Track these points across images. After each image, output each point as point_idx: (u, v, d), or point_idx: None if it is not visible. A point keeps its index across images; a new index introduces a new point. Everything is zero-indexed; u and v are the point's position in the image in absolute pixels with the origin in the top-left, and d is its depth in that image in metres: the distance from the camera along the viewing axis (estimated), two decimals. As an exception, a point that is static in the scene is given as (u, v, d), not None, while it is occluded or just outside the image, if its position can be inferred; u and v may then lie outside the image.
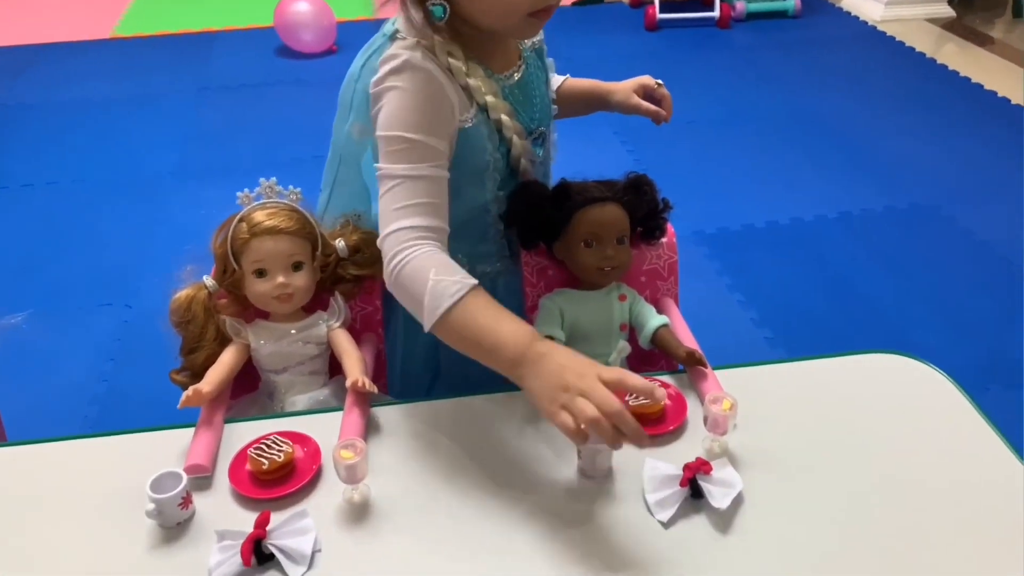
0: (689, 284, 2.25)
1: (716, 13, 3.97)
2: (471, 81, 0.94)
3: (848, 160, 2.92)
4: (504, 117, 0.97)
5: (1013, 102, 3.28)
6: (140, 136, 3.11)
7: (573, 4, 4.33)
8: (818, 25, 4.09)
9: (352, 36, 1.00)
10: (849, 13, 4.21)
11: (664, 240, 1.14)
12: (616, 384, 0.76)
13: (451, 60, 0.92)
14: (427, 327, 0.87)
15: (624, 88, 1.17)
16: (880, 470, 0.87)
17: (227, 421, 0.95)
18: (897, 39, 3.91)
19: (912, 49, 3.81)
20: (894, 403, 0.96)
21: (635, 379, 0.77)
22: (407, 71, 0.91)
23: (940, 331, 2.12)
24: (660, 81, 1.17)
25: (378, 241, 0.91)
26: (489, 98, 0.95)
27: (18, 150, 3.02)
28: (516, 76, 1.01)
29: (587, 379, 0.76)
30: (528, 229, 1.05)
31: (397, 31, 0.94)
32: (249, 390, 1.07)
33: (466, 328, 0.85)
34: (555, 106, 1.10)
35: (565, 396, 0.76)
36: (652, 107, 1.15)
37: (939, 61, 3.68)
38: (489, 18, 0.91)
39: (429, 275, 0.85)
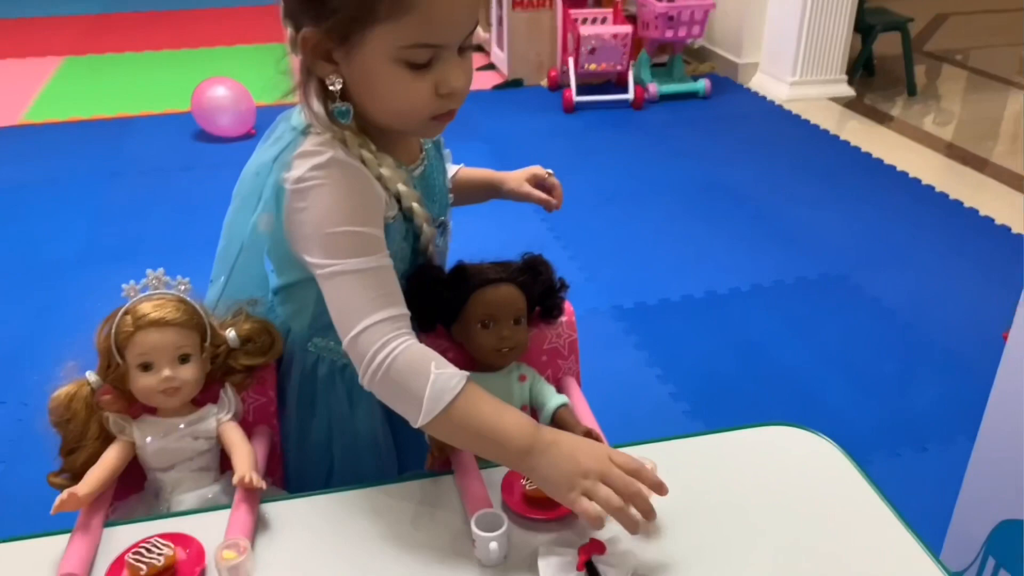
0: (607, 358, 2.31)
1: (630, 95, 4.13)
2: (383, 171, 0.93)
3: (759, 232, 3.03)
4: (415, 205, 0.97)
5: (911, 175, 3.47)
6: (44, 221, 3.04)
7: (493, 88, 4.45)
8: (728, 104, 4.29)
9: (271, 120, 1.00)
10: (757, 93, 4.43)
11: (563, 319, 1.14)
12: (633, 472, 0.82)
13: (363, 152, 0.92)
14: (420, 423, 0.85)
15: (516, 177, 1.19)
16: (775, 537, 0.88)
17: (108, 524, 0.90)
18: (803, 117, 4.12)
19: (817, 126, 4.02)
20: (789, 474, 0.97)
21: (646, 471, 0.83)
22: (334, 167, 0.89)
23: (849, 395, 2.18)
24: (550, 171, 1.20)
25: (346, 343, 0.87)
26: (401, 187, 0.95)
27: (-85, 240, 2.91)
28: (420, 169, 1.02)
29: (603, 462, 0.81)
30: (425, 311, 1.04)
31: (309, 125, 0.92)
32: (137, 489, 1.02)
33: (468, 422, 0.85)
34: (451, 195, 1.12)
35: (586, 483, 0.81)
36: (543, 195, 1.18)
37: (842, 137, 3.89)
38: (392, 120, 0.91)
39: (430, 368, 0.84)
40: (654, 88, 4.20)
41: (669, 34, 4.08)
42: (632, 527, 0.80)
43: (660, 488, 0.83)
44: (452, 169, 1.19)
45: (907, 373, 2.26)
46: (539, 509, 0.90)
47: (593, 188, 3.37)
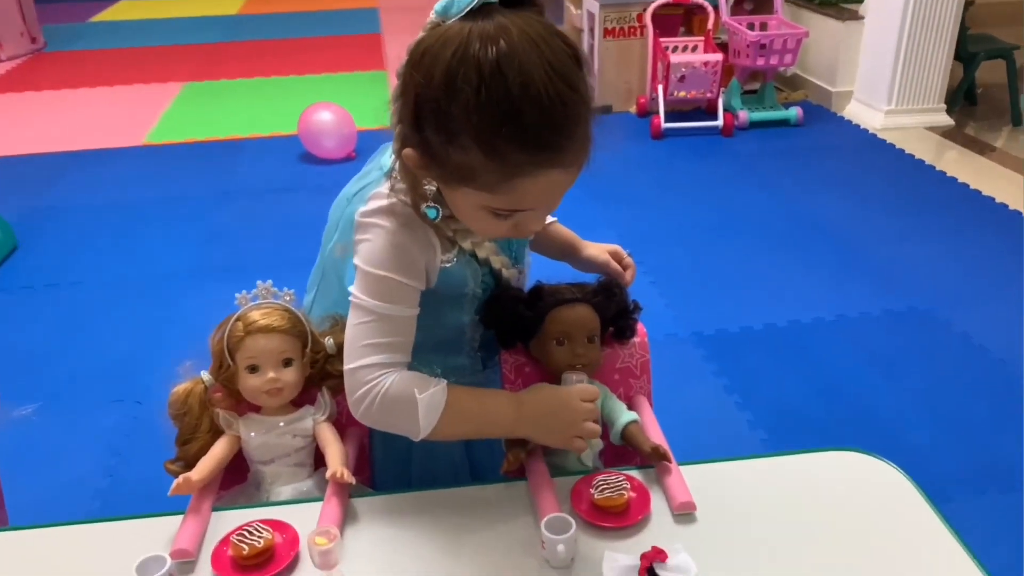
0: (686, 384, 2.33)
1: (719, 122, 4.14)
2: (457, 237, 1.01)
3: (846, 264, 2.99)
4: (492, 257, 1.06)
5: (1012, 207, 3.36)
6: (161, 238, 3.27)
7: (582, 114, 4.53)
8: (819, 133, 4.24)
9: (371, 143, 1.09)
10: (851, 122, 4.37)
11: (636, 340, 1.19)
12: (589, 397, 1.03)
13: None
14: (421, 437, 0.97)
15: (597, 247, 1.27)
16: (832, 563, 0.90)
17: (216, 509, 1.00)
18: (897, 146, 4.04)
19: (912, 156, 3.93)
20: (852, 499, 1.00)
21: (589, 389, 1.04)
22: (392, 214, 0.97)
23: (933, 434, 2.13)
24: (629, 252, 1.27)
25: (344, 370, 0.98)
26: (469, 245, 1.03)
27: (47, 252, 3.17)
28: None
29: (576, 410, 1.00)
30: (504, 329, 1.12)
31: (393, 169, 0.99)
32: (241, 481, 1.12)
33: (458, 422, 0.99)
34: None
35: (572, 432, 1.01)
36: (618, 268, 1.24)
37: (939, 168, 3.79)
38: (473, 230, 1.01)
39: (414, 393, 0.96)
40: (744, 115, 4.20)
41: (760, 62, 4.08)
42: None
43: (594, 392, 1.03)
44: (547, 219, 1.27)
45: (997, 414, 2.20)
46: (606, 517, 0.96)
47: (678, 216, 3.40)
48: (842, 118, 4.44)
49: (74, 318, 2.72)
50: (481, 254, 1.04)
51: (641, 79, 4.48)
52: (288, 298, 1.10)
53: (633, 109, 4.51)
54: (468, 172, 0.87)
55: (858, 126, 4.31)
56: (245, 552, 0.90)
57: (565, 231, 1.31)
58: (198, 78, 5.34)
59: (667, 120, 4.13)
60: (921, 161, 3.87)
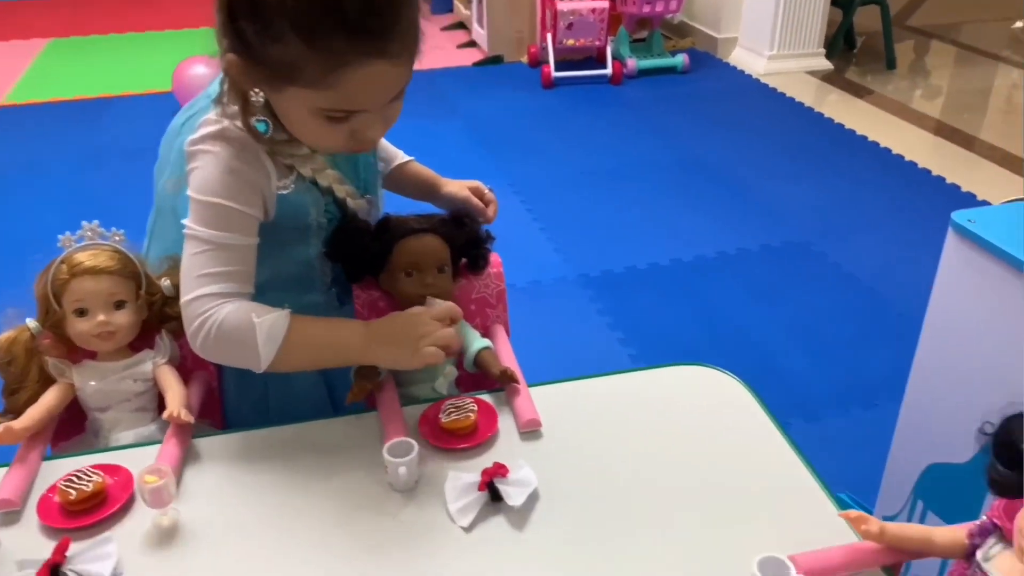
0: (571, 327, 2.36)
1: (609, 71, 4.16)
2: (294, 161, 0.98)
3: (731, 205, 3.07)
4: (335, 186, 1.02)
5: (892, 150, 3.49)
6: (25, 204, 3.09)
7: (474, 64, 4.49)
8: (706, 79, 4.32)
9: None
10: (736, 68, 4.46)
11: (492, 271, 1.19)
12: (439, 317, 0.98)
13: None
14: (263, 367, 0.93)
15: (457, 184, 1.25)
16: (675, 465, 0.93)
17: (47, 459, 0.96)
18: (779, 90, 4.15)
19: (793, 100, 4.05)
20: (695, 412, 1.03)
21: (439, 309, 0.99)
22: (222, 139, 0.93)
23: (806, 358, 2.23)
24: (491, 187, 1.25)
25: (181, 302, 0.94)
26: (309, 172, 0.99)
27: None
28: None
29: (424, 327, 0.95)
30: (352, 263, 1.10)
31: (221, 94, 0.95)
32: (79, 431, 1.08)
33: (306, 347, 0.95)
34: (381, 164, 1.17)
35: (422, 348, 0.94)
36: (479, 204, 1.22)
37: (818, 110, 3.92)
38: (310, 144, 0.97)
39: (252, 319, 0.91)
40: (632, 63, 4.23)
41: (647, 9, 4.11)
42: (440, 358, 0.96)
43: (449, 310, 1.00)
44: (402, 158, 1.25)
45: (863, 337, 2.31)
46: (452, 439, 0.96)
47: (569, 164, 3.42)
48: (727, 64, 4.53)
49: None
50: (323, 182, 1.01)
51: (532, 28, 4.46)
52: (117, 238, 1.05)
53: (524, 59, 4.49)
54: (290, 67, 0.83)
55: (743, 72, 4.41)
56: (72, 497, 0.86)
57: (424, 169, 1.28)
58: (64, 33, 5.03)
59: (557, 69, 4.13)
60: (801, 104, 3.99)
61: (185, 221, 0.95)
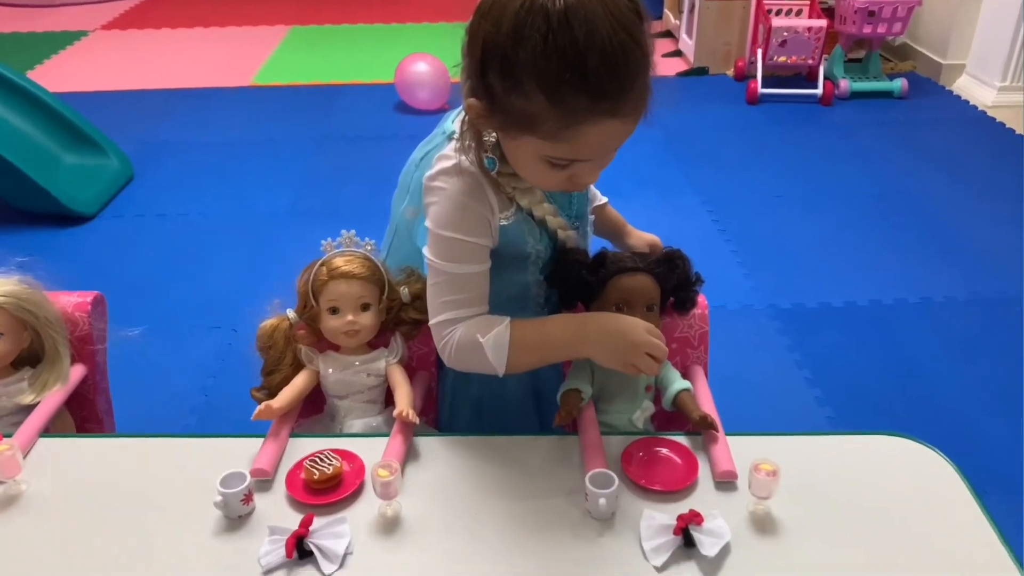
0: (757, 357, 2.35)
1: (819, 91, 4.02)
2: (515, 193, 1.06)
3: (937, 246, 2.90)
4: (549, 218, 1.10)
5: (1122, 201, 3.17)
6: (261, 177, 3.43)
7: (677, 75, 4.47)
8: (924, 107, 4.07)
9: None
10: (959, 97, 4.18)
11: (696, 312, 1.23)
12: (656, 335, 1.05)
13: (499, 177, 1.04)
14: (502, 372, 1.06)
15: (640, 236, 1.34)
16: (865, 540, 0.94)
17: (293, 435, 1.11)
18: (1007, 126, 3.85)
19: (1022, 137, 3.74)
20: (893, 485, 1.02)
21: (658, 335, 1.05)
22: (455, 175, 1.03)
23: (1006, 425, 2.09)
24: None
25: (430, 323, 1.08)
26: (528, 203, 1.08)
27: (158, 184, 3.38)
28: None
29: (641, 337, 1.02)
30: (568, 291, 1.17)
31: (455, 132, 1.05)
32: (316, 412, 1.23)
33: (527, 352, 1.06)
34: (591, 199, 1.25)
35: (634, 358, 1.03)
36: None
37: (1050, 152, 3.61)
38: (530, 182, 1.06)
39: (478, 339, 1.04)
40: (846, 85, 4.06)
41: (867, 30, 3.93)
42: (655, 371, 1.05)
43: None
44: (600, 200, 1.33)
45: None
46: (651, 479, 1.01)
47: (767, 184, 3.35)
48: (951, 92, 4.24)
49: (179, 248, 2.91)
50: (537, 213, 1.09)
51: (741, 42, 4.38)
52: (369, 247, 1.18)
53: (730, 72, 4.42)
54: (530, 119, 0.91)
55: (967, 102, 4.12)
56: (316, 477, 0.99)
57: (615, 214, 1.36)
58: (303, 22, 5.49)
59: (764, 85, 4.04)
60: (1032, 143, 3.69)
61: (425, 251, 1.06)
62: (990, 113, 3.97)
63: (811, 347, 2.39)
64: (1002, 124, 3.87)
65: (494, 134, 1.01)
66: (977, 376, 2.26)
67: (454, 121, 1.08)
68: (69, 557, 0.94)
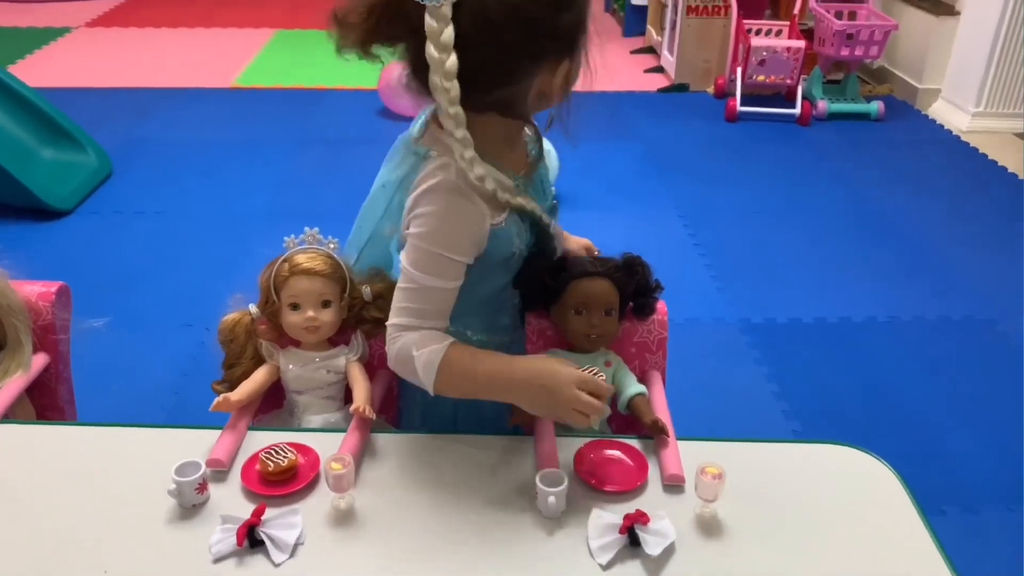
0: (726, 369, 2.37)
1: (797, 110, 4.08)
2: (498, 191, 1.05)
3: (908, 265, 2.95)
4: (527, 207, 1.10)
5: (1097, 227, 3.23)
6: (240, 178, 3.43)
7: (659, 91, 4.52)
8: (900, 130, 4.14)
9: None
10: (935, 121, 4.25)
11: (656, 317, 1.25)
12: (592, 390, 1.00)
13: (482, 175, 1.03)
14: (432, 391, 1.04)
15: (574, 240, 1.35)
16: (806, 546, 0.96)
17: (252, 428, 1.12)
18: (981, 151, 3.91)
19: (995, 163, 3.81)
20: (836, 494, 1.04)
21: (602, 387, 1.01)
22: (442, 192, 1.03)
23: (971, 443, 2.12)
24: (599, 250, 1.34)
25: (387, 322, 1.07)
26: (520, 201, 1.08)
27: (137, 182, 3.37)
28: (528, 170, 1.15)
29: (571, 393, 0.99)
30: (530, 294, 1.19)
31: (429, 151, 1.07)
32: (276, 407, 1.24)
33: (456, 380, 1.04)
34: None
35: (561, 412, 1.01)
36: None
37: (1021, 176, 3.67)
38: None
39: (411, 352, 1.03)
40: (823, 105, 4.12)
41: (845, 52, 4.00)
42: (586, 423, 1.00)
43: (608, 391, 1.02)
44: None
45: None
46: (602, 480, 1.03)
47: (742, 200, 3.39)
48: (926, 116, 4.31)
49: (155, 246, 2.91)
50: (528, 207, 1.09)
51: (721, 60, 4.44)
52: (332, 246, 1.19)
53: (710, 89, 4.48)
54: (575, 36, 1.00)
55: (942, 126, 4.19)
56: (271, 468, 1.00)
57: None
58: (288, 26, 5.50)
59: (743, 103, 4.09)
60: (1004, 169, 3.75)
61: (402, 256, 1.06)
62: (964, 138, 4.04)
63: (780, 361, 2.42)
64: (975, 149, 3.94)
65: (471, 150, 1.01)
66: (942, 394, 2.30)
67: (417, 142, 1.09)
68: (19, 541, 0.94)
